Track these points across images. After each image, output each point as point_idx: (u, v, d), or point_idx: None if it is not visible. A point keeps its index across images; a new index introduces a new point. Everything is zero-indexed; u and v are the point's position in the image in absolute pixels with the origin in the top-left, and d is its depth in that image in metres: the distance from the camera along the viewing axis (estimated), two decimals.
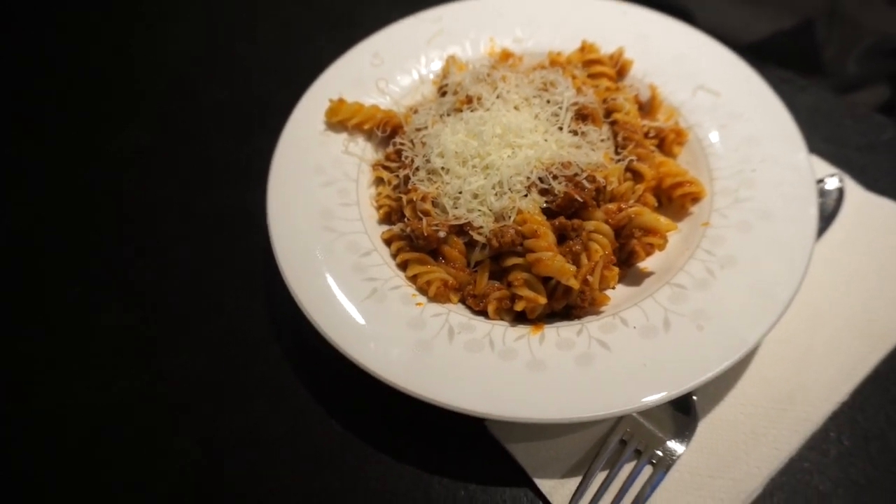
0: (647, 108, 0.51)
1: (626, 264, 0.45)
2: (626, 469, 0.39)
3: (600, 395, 0.37)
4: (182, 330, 0.48)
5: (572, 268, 0.40)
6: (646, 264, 0.45)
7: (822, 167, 0.53)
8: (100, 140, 0.61)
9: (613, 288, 0.43)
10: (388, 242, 0.45)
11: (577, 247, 0.42)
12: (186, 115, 0.62)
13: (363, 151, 0.50)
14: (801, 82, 0.60)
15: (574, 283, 0.40)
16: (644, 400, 0.36)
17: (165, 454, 0.42)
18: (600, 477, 0.39)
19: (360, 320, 0.40)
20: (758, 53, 0.68)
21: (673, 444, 0.40)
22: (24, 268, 0.52)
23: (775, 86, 0.50)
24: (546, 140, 0.45)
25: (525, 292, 0.40)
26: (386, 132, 0.50)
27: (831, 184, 0.50)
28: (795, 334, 0.44)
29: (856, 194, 0.51)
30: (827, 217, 0.49)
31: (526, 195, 0.43)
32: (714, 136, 0.49)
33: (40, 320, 0.49)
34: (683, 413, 0.41)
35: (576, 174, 0.43)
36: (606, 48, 0.53)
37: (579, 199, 0.42)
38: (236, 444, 0.43)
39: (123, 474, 0.42)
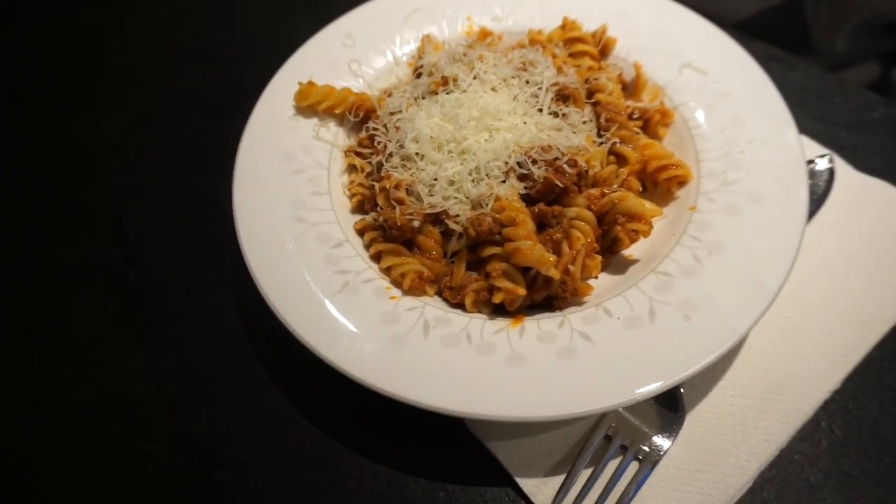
0: (631, 87, 0.49)
1: (610, 252, 0.43)
2: (612, 466, 0.38)
3: (583, 390, 0.35)
4: (153, 324, 0.46)
5: (552, 257, 0.38)
6: (630, 251, 0.43)
7: (812, 147, 0.51)
8: (71, 130, 0.58)
9: (596, 277, 0.41)
10: (360, 233, 0.43)
11: (558, 235, 0.40)
12: (158, 102, 0.60)
13: (335, 137, 0.47)
14: (790, 60, 0.59)
15: (555, 273, 0.38)
16: (629, 395, 0.35)
17: (139, 452, 0.41)
18: (585, 475, 0.37)
19: (332, 315, 0.38)
20: (745, 31, 0.66)
21: (659, 439, 0.38)
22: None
23: (763, 64, 0.49)
24: (525, 123, 0.43)
25: (503, 283, 0.38)
26: (358, 116, 0.48)
27: (822, 164, 0.49)
28: (784, 321, 0.43)
29: (847, 175, 0.49)
30: (817, 199, 0.47)
31: (504, 181, 0.41)
32: (700, 117, 0.47)
33: (10, 313, 0.47)
34: (670, 406, 0.39)
35: (556, 158, 0.41)
36: (589, 26, 0.51)
37: (560, 184, 0.40)
38: (209, 441, 0.41)
39: (98, 470, 0.40)
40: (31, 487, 0.40)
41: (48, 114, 0.59)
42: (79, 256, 0.50)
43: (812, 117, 0.53)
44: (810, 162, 0.48)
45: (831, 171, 0.48)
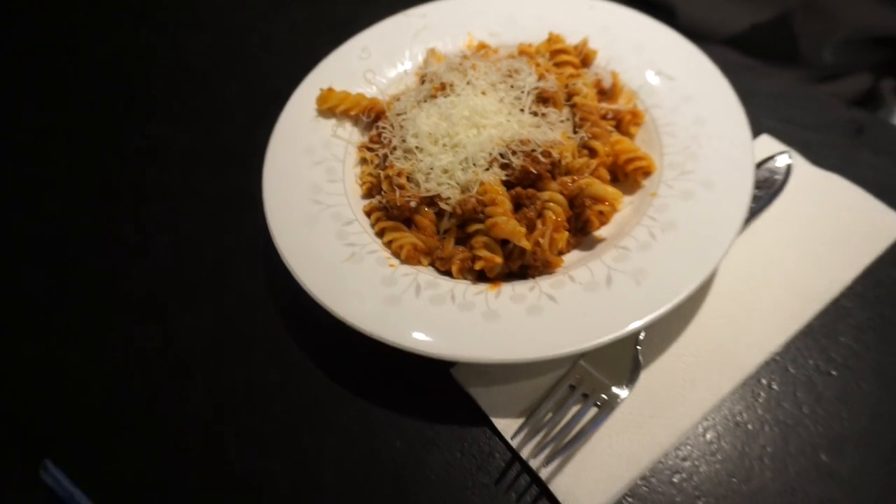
0: (609, 93, 0.56)
1: (582, 233, 0.49)
2: (573, 410, 0.44)
3: (546, 339, 0.42)
4: (195, 292, 0.54)
5: (523, 230, 0.45)
6: (600, 233, 0.50)
7: (774, 145, 0.57)
8: (124, 133, 0.68)
9: (564, 252, 0.48)
10: (368, 214, 0.51)
11: (532, 213, 0.47)
12: (203, 110, 0.69)
13: (350, 135, 0.55)
14: (763, 70, 0.65)
15: (525, 244, 0.45)
16: (583, 344, 0.41)
17: (182, 396, 0.49)
18: (549, 416, 0.44)
19: (341, 279, 0.46)
20: (736, 45, 0.72)
21: (617, 390, 0.44)
22: (56, 241, 0.59)
23: (736, 73, 0.55)
24: (508, 121, 0.50)
25: (483, 253, 0.46)
26: (370, 117, 0.56)
27: (781, 161, 0.54)
28: (735, 294, 0.49)
29: (803, 169, 0.55)
30: (775, 190, 0.53)
31: (488, 169, 0.48)
32: (667, 117, 0.53)
33: (68, 288, 0.56)
34: (629, 363, 0.45)
35: (533, 150, 0.48)
36: (574, 40, 0.58)
37: (534, 171, 0.47)
38: (239, 389, 0.49)
39: (150, 411, 0.48)
40: (97, 422, 0.49)
41: (107, 119, 0.69)
42: (131, 238, 0.59)
43: (777, 119, 0.59)
44: (770, 158, 0.54)
45: (789, 166, 0.54)
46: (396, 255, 0.48)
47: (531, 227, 0.47)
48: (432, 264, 0.48)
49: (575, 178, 0.48)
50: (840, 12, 0.74)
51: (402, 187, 0.49)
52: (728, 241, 0.45)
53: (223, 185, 0.61)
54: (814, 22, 0.75)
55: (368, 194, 0.53)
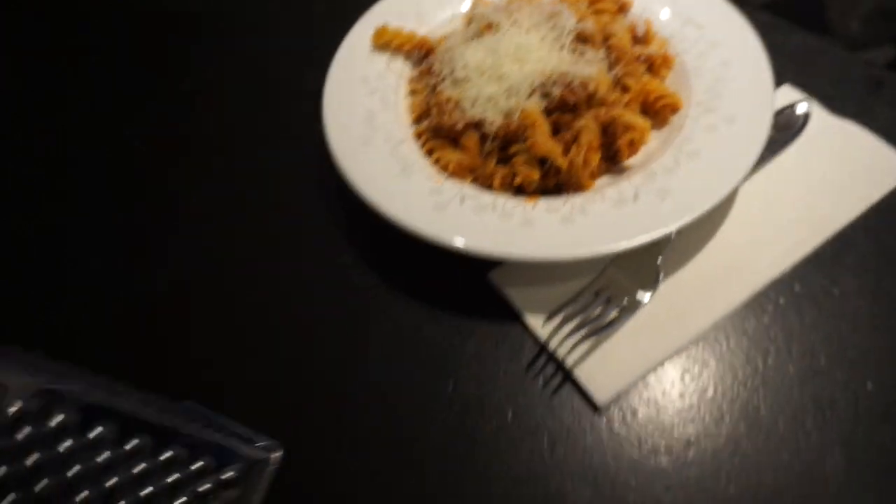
0: (642, 39, 0.61)
1: (612, 162, 0.54)
2: (598, 310, 0.49)
3: (577, 242, 0.47)
4: (257, 207, 0.60)
5: (560, 149, 0.50)
6: (628, 163, 0.54)
7: (795, 94, 0.61)
8: (179, 79, 0.73)
9: (595, 175, 0.53)
10: (417, 137, 0.56)
11: (568, 137, 0.52)
12: (256, 52, 0.74)
13: (402, 68, 0.61)
14: (792, 29, 0.68)
15: (561, 162, 0.50)
16: (610, 246, 0.46)
17: (247, 285, 0.55)
18: (576, 315, 0.49)
19: (393, 189, 0.51)
20: (770, 11, 0.76)
21: (639, 296, 0.49)
22: (128, 173, 0.65)
23: (766, 31, 0.58)
24: (549, 57, 0.55)
25: (523, 168, 0.51)
26: (421, 53, 0.61)
27: (800, 108, 0.58)
28: (750, 221, 0.53)
29: (821, 116, 0.59)
30: (793, 133, 0.57)
31: (529, 98, 0.53)
32: (695, 61, 0.58)
33: (141, 208, 0.62)
34: (652, 273, 0.50)
35: (571, 82, 0.53)
36: None
37: (571, 100, 0.52)
38: (297, 285, 0.54)
39: (218, 304, 0.54)
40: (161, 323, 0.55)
41: (154, 54, 0.75)
42: (191, 172, 0.64)
43: (800, 72, 0.63)
44: (791, 105, 0.59)
45: (807, 113, 0.58)
46: (443, 171, 0.53)
47: (567, 150, 0.51)
48: (474, 181, 0.54)
49: (608, 109, 0.53)
50: None
51: (450, 112, 0.54)
52: (746, 167, 0.49)
53: (282, 117, 0.67)
54: None
55: (417, 121, 0.58)
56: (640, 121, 0.52)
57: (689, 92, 0.56)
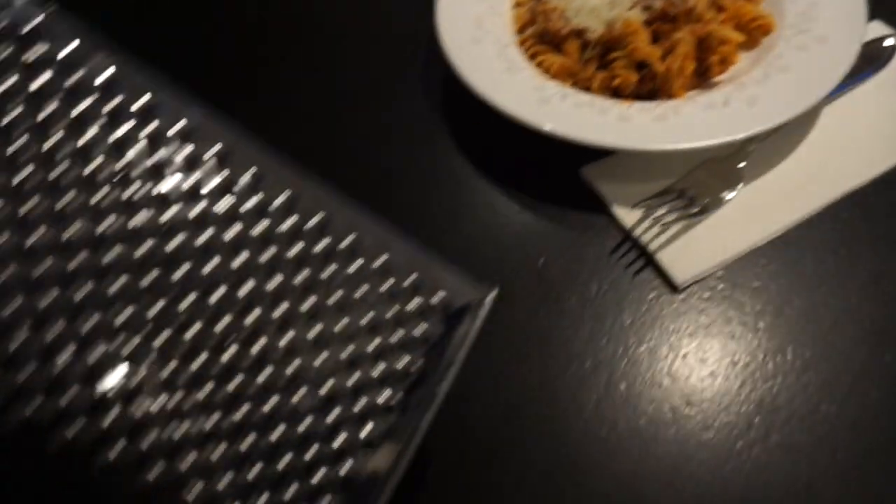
0: None
1: (704, 78, 0.58)
2: (682, 204, 0.54)
3: (668, 138, 0.51)
4: (370, 110, 0.65)
5: (659, 53, 0.54)
6: (718, 79, 0.58)
7: (883, 29, 0.64)
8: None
9: (686, 84, 0.57)
10: (522, 42, 0.61)
11: (666, 45, 0.56)
12: None
13: None
14: None
15: (659, 66, 0.54)
16: (699, 142, 0.51)
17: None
18: (661, 207, 0.53)
19: (499, 84, 0.56)
20: None
21: (723, 195, 0.54)
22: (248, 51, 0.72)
23: None
24: None
25: (622, 71, 0.55)
26: None
27: (888, 41, 0.61)
28: (827, 140, 0.56)
29: None
30: (878, 65, 0.60)
31: (631, 9, 0.57)
32: None
33: (251, 91, 0.68)
34: (734, 178, 0.54)
35: None
36: None
37: (671, 12, 0.56)
38: (391, 170, 0.60)
39: None
40: None
41: None
42: (312, 53, 0.70)
43: (891, 10, 0.65)
44: (879, 38, 0.61)
45: (894, 46, 0.61)
46: (545, 73, 0.58)
47: (664, 58, 0.56)
48: (574, 85, 0.58)
49: (704, 24, 0.57)
50: None
51: (555, 19, 0.59)
52: (833, 82, 0.53)
53: (394, 30, 0.72)
54: None
55: (522, 30, 0.62)
56: (733, 34, 0.56)
57: (782, 16, 0.60)
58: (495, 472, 0.45)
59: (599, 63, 0.58)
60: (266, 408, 0.31)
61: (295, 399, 0.32)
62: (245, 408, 0.30)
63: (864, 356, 0.47)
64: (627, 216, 0.54)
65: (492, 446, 0.46)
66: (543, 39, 0.59)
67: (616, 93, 0.57)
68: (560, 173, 0.57)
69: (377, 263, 0.35)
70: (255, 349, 0.31)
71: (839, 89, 0.56)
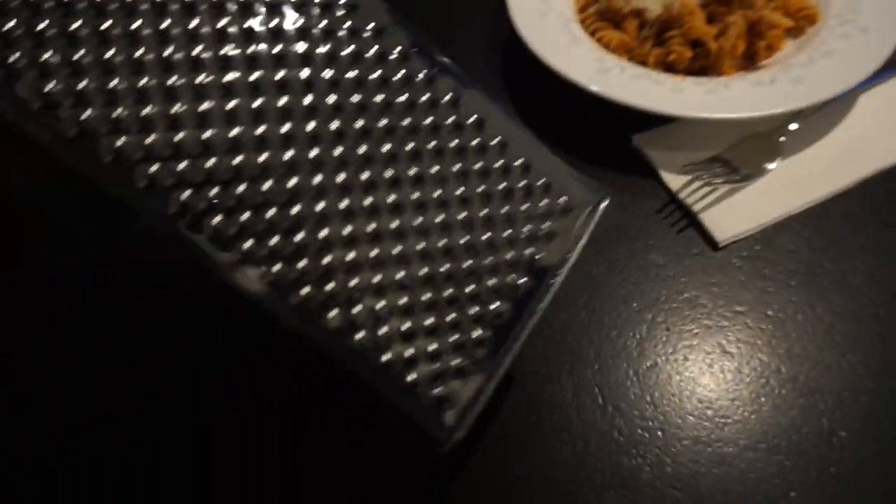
0: None
1: (751, 62, 0.63)
2: (726, 171, 0.58)
3: (717, 107, 0.56)
4: None
5: (713, 32, 0.59)
6: (764, 63, 0.63)
7: None
8: None
9: (733, 64, 0.61)
10: (583, 21, 0.66)
11: (720, 26, 0.61)
12: None
13: None
14: None
15: (713, 44, 0.59)
16: (747, 113, 0.55)
17: None
18: (705, 173, 0.58)
19: (565, 54, 0.61)
20: None
21: (764, 165, 0.58)
22: None
23: None
24: None
25: (678, 48, 0.60)
26: None
27: None
28: (863, 123, 0.61)
29: None
30: None
31: None
32: None
33: None
34: (776, 150, 0.59)
35: None
36: None
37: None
38: None
39: None
40: None
41: None
42: None
43: None
44: None
45: None
46: (606, 46, 0.63)
47: (717, 37, 0.60)
48: (631, 60, 0.63)
49: (756, 10, 0.62)
50: None
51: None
52: (874, 67, 0.57)
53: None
54: None
55: (584, 8, 0.68)
56: (782, 20, 0.61)
57: (828, 7, 0.64)
58: (547, 394, 0.50)
59: (656, 41, 0.63)
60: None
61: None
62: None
63: (889, 316, 0.51)
64: (674, 181, 0.59)
65: (542, 372, 0.51)
66: (605, 17, 0.64)
67: (670, 68, 0.61)
68: (613, 140, 0.62)
69: (518, 162, 0.40)
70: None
71: (877, 78, 0.61)
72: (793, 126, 0.59)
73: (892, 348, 0.50)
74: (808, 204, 0.57)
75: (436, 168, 0.37)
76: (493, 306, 0.38)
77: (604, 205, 0.42)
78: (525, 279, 0.39)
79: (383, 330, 0.35)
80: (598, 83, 0.58)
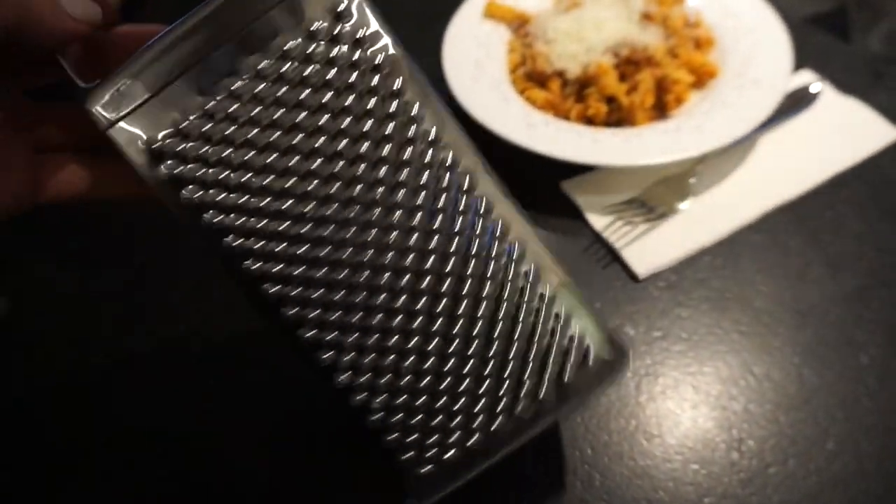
0: (693, 24, 0.77)
1: (662, 112, 0.71)
2: (643, 212, 0.65)
3: (632, 154, 0.63)
4: None
5: (624, 89, 0.67)
6: (672, 114, 0.71)
7: (811, 77, 0.77)
8: None
9: (645, 113, 0.69)
10: (513, 81, 0.74)
11: (631, 84, 0.69)
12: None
13: (503, 32, 0.78)
14: (818, 31, 0.84)
15: (624, 100, 0.67)
16: (657, 159, 0.62)
17: None
18: (626, 213, 0.65)
19: (493, 110, 0.68)
20: (804, 22, 0.92)
21: (676, 205, 0.65)
22: None
23: (797, 28, 0.74)
24: (620, 27, 0.72)
25: (595, 103, 0.68)
26: (520, 23, 0.78)
27: (814, 87, 0.74)
28: (763, 163, 0.69)
29: (832, 95, 0.75)
30: (805, 104, 0.73)
31: (603, 55, 0.70)
32: (732, 43, 0.74)
33: None
34: (686, 190, 0.66)
35: (635, 45, 0.70)
36: None
37: (635, 59, 0.69)
38: None
39: None
40: None
41: None
42: None
43: (819, 63, 0.79)
44: (807, 85, 0.74)
45: (819, 91, 0.74)
46: (532, 105, 0.70)
47: (629, 93, 0.68)
48: (555, 115, 0.71)
49: (662, 69, 0.70)
50: (886, 6, 0.93)
51: (541, 62, 0.72)
52: (764, 114, 0.65)
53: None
54: (863, 12, 0.93)
55: (513, 71, 0.75)
56: (684, 76, 0.69)
57: (725, 63, 0.73)
58: None
59: (576, 97, 0.71)
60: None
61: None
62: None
63: (787, 332, 0.58)
64: (598, 221, 0.66)
65: None
66: (531, 78, 0.72)
67: (590, 121, 0.69)
68: (544, 186, 0.69)
69: (544, 290, 0.42)
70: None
71: (773, 123, 0.69)
72: (700, 167, 0.66)
73: (792, 362, 0.56)
74: (718, 238, 0.64)
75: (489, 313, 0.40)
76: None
77: (622, 373, 0.41)
78: (523, 404, 0.41)
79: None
80: (527, 137, 0.65)
